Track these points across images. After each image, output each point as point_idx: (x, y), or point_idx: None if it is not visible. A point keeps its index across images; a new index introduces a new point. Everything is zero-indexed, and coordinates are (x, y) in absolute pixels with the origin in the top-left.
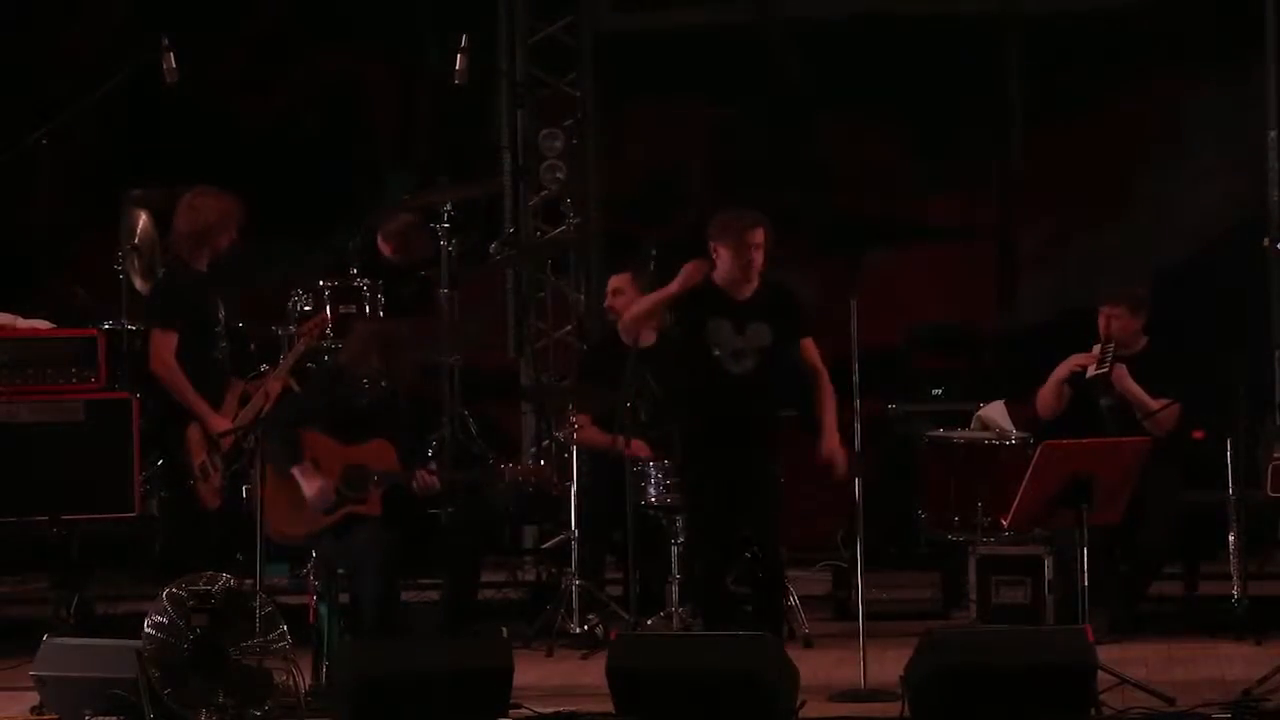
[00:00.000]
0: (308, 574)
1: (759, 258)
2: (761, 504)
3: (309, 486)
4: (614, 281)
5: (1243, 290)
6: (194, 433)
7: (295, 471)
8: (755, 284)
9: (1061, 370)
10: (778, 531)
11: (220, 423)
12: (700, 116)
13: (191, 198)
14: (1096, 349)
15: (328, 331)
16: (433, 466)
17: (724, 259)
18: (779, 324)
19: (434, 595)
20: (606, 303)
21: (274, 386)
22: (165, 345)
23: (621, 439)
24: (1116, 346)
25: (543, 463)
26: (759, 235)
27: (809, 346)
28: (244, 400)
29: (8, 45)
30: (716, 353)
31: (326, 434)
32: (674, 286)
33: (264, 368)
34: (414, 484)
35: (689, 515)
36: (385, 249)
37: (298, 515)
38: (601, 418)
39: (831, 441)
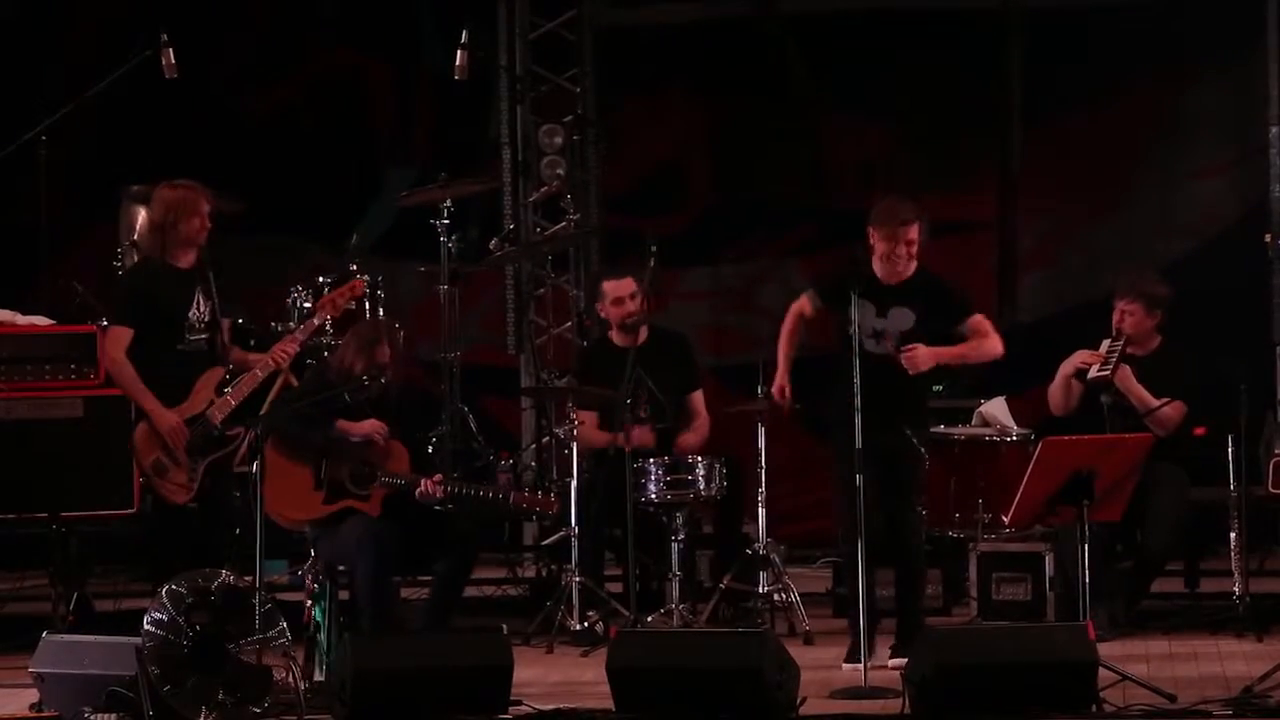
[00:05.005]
0: (306, 572)
1: (906, 252)
2: (897, 476)
3: (357, 429)
4: (625, 288)
5: (1243, 288)
6: (141, 431)
7: (338, 427)
8: (907, 273)
9: (1068, 366)
10: (914, 504)
11: (169, 417)
12: (700, 112)
13: (156, 191)
14: (1105, 345)
15: (350, 303)
16: (438, 477)
17: (877, 246)
18: (925, 310)
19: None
20: (625, 308)
21: (290, 348)
22: (115, 341)
23: (621, 437)
24: (1127, 344)
25: (553, 496)
26: (913, 231)
27: (975, 324)
28: (220, 389)
29: (8, 45)
30: (851, 330)
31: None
32: None
33: (275, 325)
34: (416, 491)
35: (837, 486)
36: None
37: (301, 501)
38: (602, 416)
39: (930, 350)
